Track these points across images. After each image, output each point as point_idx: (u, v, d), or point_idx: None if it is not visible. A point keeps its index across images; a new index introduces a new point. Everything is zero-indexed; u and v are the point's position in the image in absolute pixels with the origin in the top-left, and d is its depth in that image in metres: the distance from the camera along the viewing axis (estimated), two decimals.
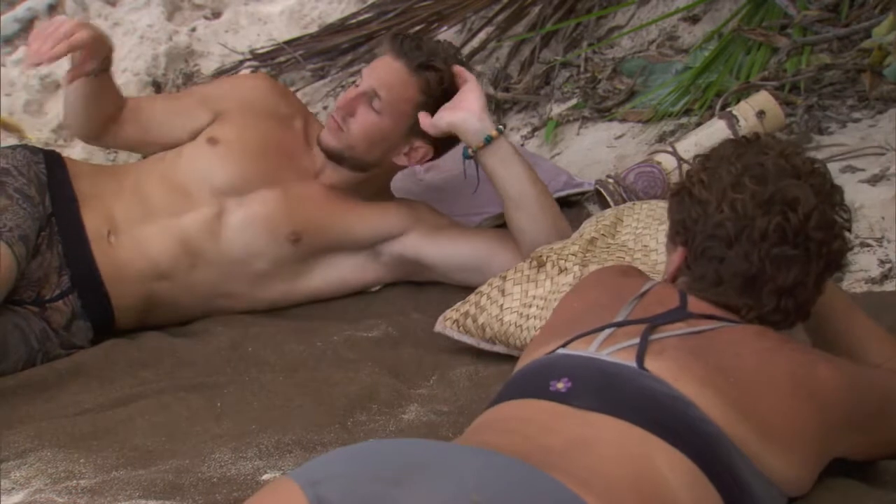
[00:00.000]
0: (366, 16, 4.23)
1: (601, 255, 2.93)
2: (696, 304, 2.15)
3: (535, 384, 2.04)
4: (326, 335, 3.07)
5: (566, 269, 2.89)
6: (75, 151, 4.23)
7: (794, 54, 3.74)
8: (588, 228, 3.06)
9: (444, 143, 3.25)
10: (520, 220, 3.13)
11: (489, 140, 3.11)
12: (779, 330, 2.19)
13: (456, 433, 2.47)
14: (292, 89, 4.20)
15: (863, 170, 3.36)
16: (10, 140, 4.25)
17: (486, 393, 2.63)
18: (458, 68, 3.19)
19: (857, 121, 3.57)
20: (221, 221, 3.21)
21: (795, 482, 2.04)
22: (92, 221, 3.17)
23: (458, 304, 2.97)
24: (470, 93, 3.14)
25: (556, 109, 3.95)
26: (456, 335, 2.95)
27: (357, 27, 4.23)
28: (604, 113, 3.88)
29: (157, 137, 3.36)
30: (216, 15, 4.54)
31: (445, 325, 2.96)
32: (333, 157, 3.24)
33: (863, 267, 3.10)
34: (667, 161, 3.35)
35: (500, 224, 3.36)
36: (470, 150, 3.14)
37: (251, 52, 4.29)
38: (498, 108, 4.00)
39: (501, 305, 2.90)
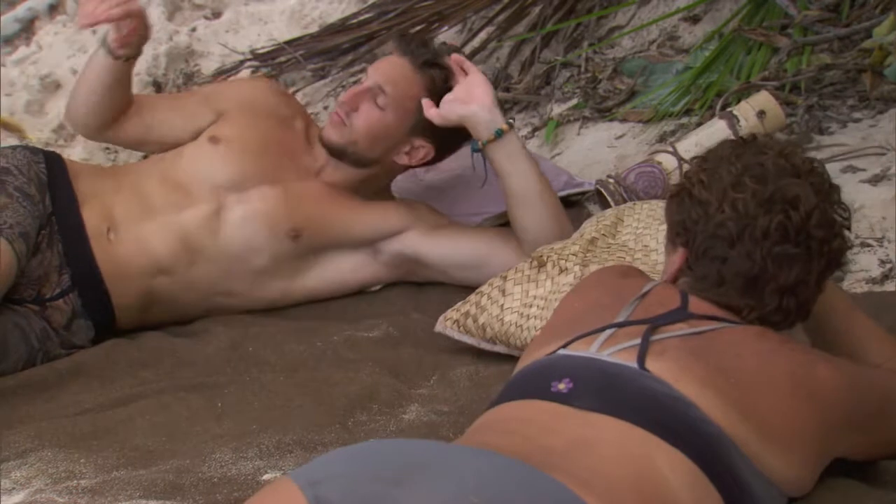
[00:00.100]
0: (366, 16, 4.23)
1: (602, 255, 2.93)
2: (697, 305, 2.15)
3: (536, 385, 2.04)
4: (327, 335, 3.07)
5: (567, 269, 2.89)
6: (76, 151, 4.23)
7: (795, 54, 3.74)
8: (589, 228, 3.06)
9: (445, 145, 3.25)
10: (523, 217, 3.13)
11: (500, 134, 3.12)
12: (779, 330, 2.19)
13: (456, 433, 2.47)
14: (293, 89, 4.21)
15: (863, 170, 3.36)
16: (11, 140, 4.26)
17: (486, 393, 2.63)
18: (458, 57, 3.20)
19: (857, 121, 3.57)
20: (221, 217, 3.22)
21: (796, 482, 2.04)
22: (92, 219, 3.18)
23: (459, 304, 2.97)
24: (479, 86, 3.14)
25: (557, 109, 3.95)
26: (456, 335, 2.94)
27: (358, 27, 4.23)
28: (604, 113, 3.88)
29: (159, 136, 3.37)
30: (216, 15, 4.54)
31: (446, 325, 2.96)
32: (335, 152, 3.24)
33: (863, 267, 3.10)
34: (667, 161, 3.35)
35: (500, 224, 3.37)
36: (480, 144, 3.14)
37: (251, 52, 4.29)
38: (499, 107, 4.00)
39: (502, 305, 2.90)
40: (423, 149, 3.24)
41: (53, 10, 4.63)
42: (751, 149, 2.20)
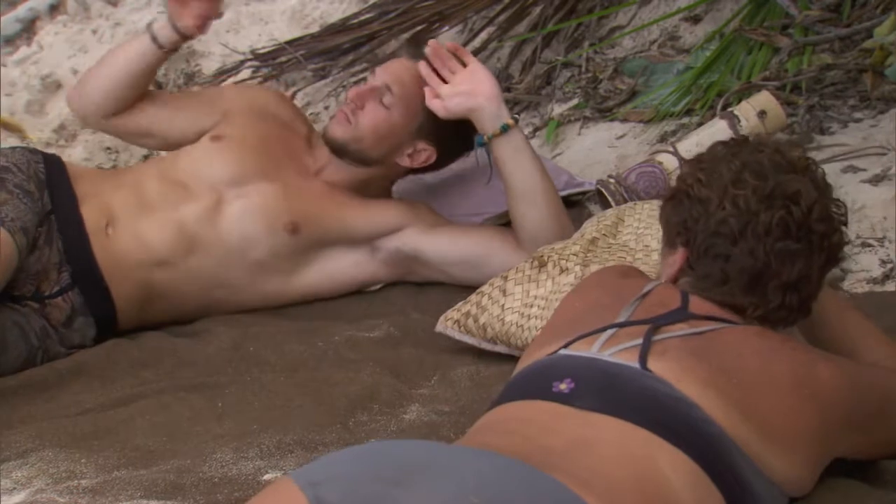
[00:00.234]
0: (367, 16, 4.23)
1: (602, 255, 2.93)
2: (697, 305, 2.15)
3: (537, 385, 2.04)
4: (327, 335, 3.07)
5: (567, 269, 2.89)
6: (76, 152, 4.23)
7: (796, 54, 3.74)
8: (589, 228, 3.06)
9: (447, 150, 3.27)
10: (525, 214, 3.14)
11: (505, 129, 3.12)
12: (780, 328, 2.19)
13: (457, 433, 2.48)
14: (293, 89, 4.22)
15: (864, 170, 3.36)
16: (12, 140, 4.26)
17: (487, 393, 2.63)
18: (453, 45, 3.21)
19: (858, 121, 3.57)
20: (219, 211, 3.22)
21: (797, 482, 2.04)
22: (90, 216, 3.18)
23: (460, 304, 2.97)
24: (484, 80, 3.14)
25: (558, 109, 3.95)
26: (457, 335, 2.94)
27: (358, 27, 4.23)
28: (605, 113, 3.88)
29: (161, 131, 3.38)
30: (217, 15, 4.53)
31: (446, 325, 2.96)
32: (338, 149, 3.25)
33: (864, 267, 3.10)
34: (668, 161, 3.35)
35: (500, 224, 3.37)
36: (485, 137, 3.14)
37: (252, 52, 4.29)
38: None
39: (503, 305, 2.90)
40: (426, 152, 3.25)
41: (54, 10, 4.64)
42: (746, 147, 2.21)
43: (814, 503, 2.09)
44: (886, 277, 3.06)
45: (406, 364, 2.91)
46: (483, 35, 4.16)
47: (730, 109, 3.44)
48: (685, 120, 3.71)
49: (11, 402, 2.87)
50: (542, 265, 2.93)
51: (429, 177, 3.54)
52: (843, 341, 2.27)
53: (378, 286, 3.34)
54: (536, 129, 3.93)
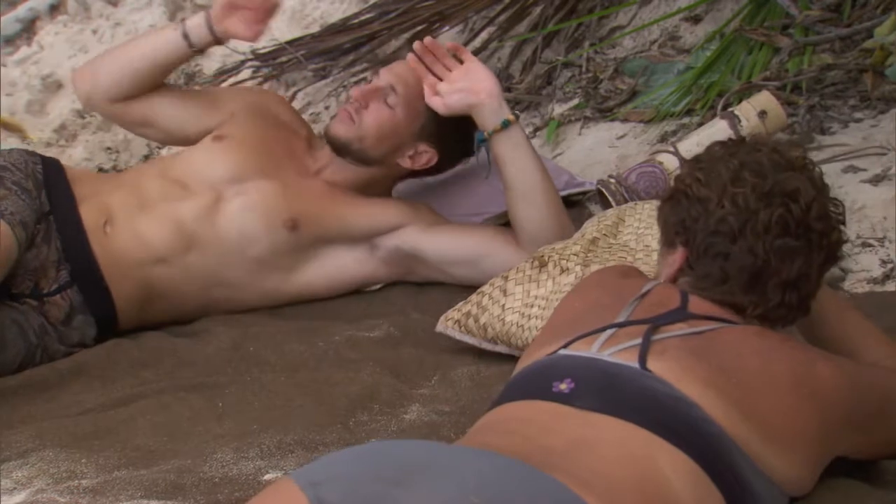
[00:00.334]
0: (367, 16, 4.23)
1: (603, 255, 2.93)
2: (697, 305, 2.15)
3: (537, 385, 2.04)
4: (327, 335, 3.07)
5: (568, 269, 2.89)
6: (77, 151, 4.24)
7: (796, 54, 3.74)
8: (590, 228, 3.06)
9: (448, 153, 3.28)
10: (524, 211, 3.14)
11: (506, 125, 3.12)
12: (780, 327, 2.19)
13: (457, 433, 2.48)
14: (294, 89, 4.22)
15: (864, 170, 3.36)
16: (12, 140, 4.26)
17: (487, 393, 2.62)
18: (453, 45, 3.22)
19: (858, 121, 3.57)
20: (218, 208, 3.23)
21: (797, 482, 2.04)
22: (89, 215, 3.19)
23: (460, 304, 2.97)
24: (485, 78, 3.15)
25: (558, 109, 3.95)
26: (457, 335, 2.94)
27: (359, 27, 4.23)
28: (605, 113, 3.88)
29: (163, 123, 3.39)
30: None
31: (447, 325, 2.96)
32: (340, 147, 3.26)
33: (864, 267, 3.10)
34: (669, 161, 3.35)
35: (500, 225, 3.37)
36: (486, 133, 3.14)
37: (253, 52, 4.29)
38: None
39: (503, 305, 2.90)
40: (427, 154, 3.26)
41: (54, 10, 4.64)
42: (744, 147, 2.21)
43: (814, 503, 2.09)
44: (887, 277, 3.06)
45: (406, 364, 2.91)
46: (483, 35, 4.16)
47: (730, 109, 3.44)
48: (686, 120, 3.71)
49: (12, 401, 2.87)
50: (543, 265, 2.93)
51: (430, 177, 3.55)
52: (842, 341, 2.27)
53: (378, 286, 3.34)
54: (537, 129, 3.93)
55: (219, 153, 3.29)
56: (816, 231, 2.15)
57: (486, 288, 2.96)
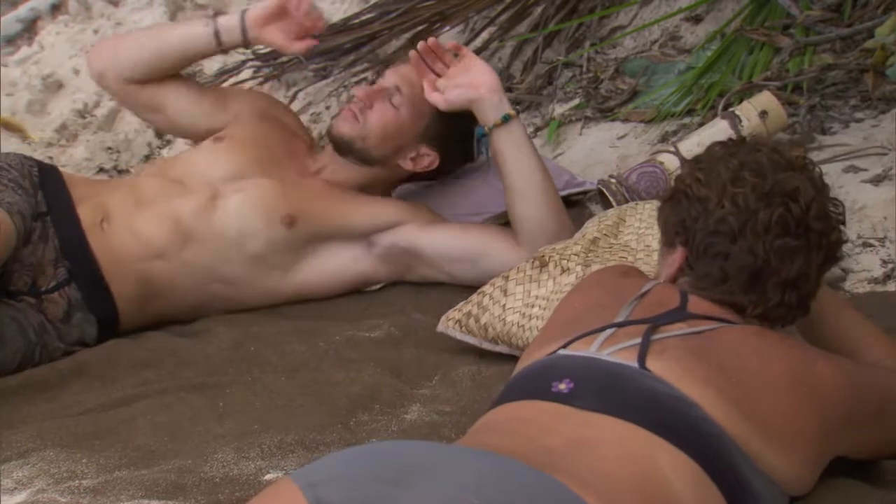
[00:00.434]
0: (368, 16, 4.23)
1: (604, 255, 2.93)
2: (696, 304, 2.15)
3: (536, 385, 2.04)
4: (328, 335, 3.08)
5: (569, 269, 2.89)
6: (78, 151, 4.24)
7: (797, 54, 3.74)
8: (591, 228, 3.06)
9: (449, 158, 3.29)
10: (522, 207, 3.14)
11: (507, 118, 3.13)
12: (779, 327, 2.19)
13: (458, 433, 2.48)
14: (294, 89, 4.22)
15: (865, 170, 3.36)
16: (13, 140, 4.26)
17: (488, 393, 2.62)
18: (453, 44, 3.23)
19: (859, 121, 3.57)
20: (216, 204, 3.24)
21: (797, 482, 2.04)
22: (86, 215, 3.20)
23: (461, 304, 2.97)
24: (485, 72, 3.16)
25: (559, 109, 3.95)
26: (458, 335, 2.94)
27: (359, 27, 4.23)
28: (606, 113, 3.88)
29: (172, 112, 3.41)
30: (219, 15, 4.54)
31: (448, 325, 2.96)
32: (342, 146, 3.27)
33: (865, 267, 3.10)
34: (669, 161, 3.35)
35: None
36: (486, 128, 3.15)
37: (253, 52, 4.29)
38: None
39: (504, 305, 2.90)
40: (428, 157, 3.28)
41: (55, 10, 4.64)
42: (744, 147, 2.21)
43: (814, 503, 2.09)
44: (888, 277, 3.06)
45: (407, 364, 2.91)
46: (484, 35, 4.16)
47: (731, 109, 3.44)
48: (686, 120, 3.71)
49: (12, 401, 2.87)
50: (544, 265, 2.93)
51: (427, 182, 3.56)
52: (842, 341, 2.28)
53: (378, 286, 3.34)
54: (538, 129, 3.94)
55: (218, 153, 3.30)
56: (816, 231, 2.15)
57: (486, 288, 2.96)
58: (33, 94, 4.41)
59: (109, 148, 4.23)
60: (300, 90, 4.23)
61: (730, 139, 2.29)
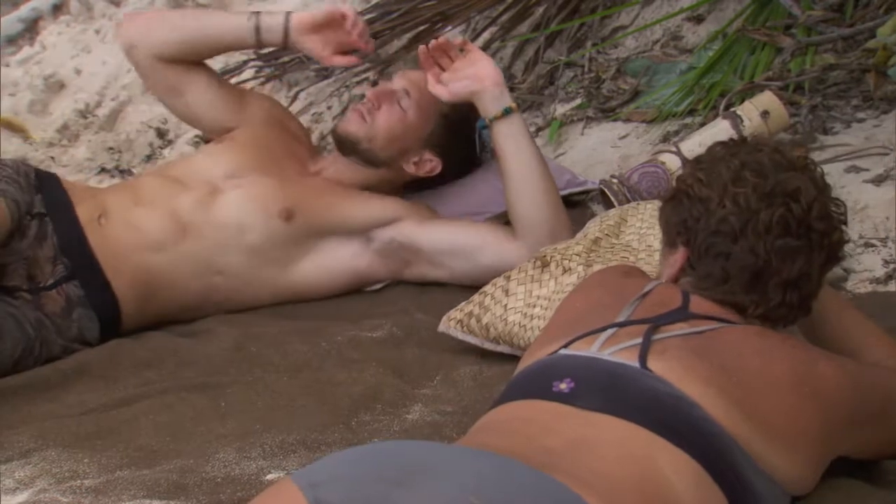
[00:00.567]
0: (370, 16, 4.23)
1: (605, 255, 2.93)
2: (698, 304, 2.15)
3: (537, 385, 2.04)
4: (330, 335, 3.08)
5: (570, 269, 2.89)
6: (79, 151, 4.24)
7: (799, 54, 3.74)
8: (592, 228, 3.06)
9: (452, 164, 3.32)
10: (520, 199, 3.15)
11: (508, 111, 3.14)
12: (781, 327, 2.19)
13: (460, 433, 2.47)
14: (296, 89, 4.22)
15: (867, 170, 3.36)
16: (15, 140, 4.26)
17: (490, 393, 2.62)
18: (463, 40, 3.25)
19: (861, 121, 3.57)
20: (214, 198, 3.25)
21: (799, 481, 2.04)
22: (84, 212, 3.21)
23: (462, 304, 2.97)
24: (488, 65, 3.18)
25: (561, 109, 3.95)
26: (460, 335, 2.95)
27: None
28: (608, 113, 3.88)
29: (192, 98, 3.42)
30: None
31: (449, 325, 2.96)
32: (348, 145, 3.29)
33: (867, 267, 3.09)
34: (671, 161, 3.35)
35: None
36: (487, 120, 3.16)
37: (255, 52, 4.29)
38: None
39: (505, 305, 2.90)
40: (431, 163, 3.32)
41: (57, 10, 4.64)
42: (745, 147, 2.21)
43: (816, 503, 2.09)
44: (889, 277, 3.06)
45: (409, 364, 2.92)
46: (486, 35, 4.16)
47: (733, 109, 3.44)
48: (688, 120, 3.71)
49: (14, 401, 2.87)
50: (545, 265, 2.93)
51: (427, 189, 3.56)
52: (843, 341, 2.28)
53: (379, 286, 3.35)
54: (539, 129, 3.94)
55: (218, 153, 3.33)
56: (817, 231, 2.15)
57: (488, 288, 2.96)
58: (35, 94, 4.41)
59: (111, 148, 4.24)
60: (302, 90, 4.23)
61: (731, 139, 2.29)
